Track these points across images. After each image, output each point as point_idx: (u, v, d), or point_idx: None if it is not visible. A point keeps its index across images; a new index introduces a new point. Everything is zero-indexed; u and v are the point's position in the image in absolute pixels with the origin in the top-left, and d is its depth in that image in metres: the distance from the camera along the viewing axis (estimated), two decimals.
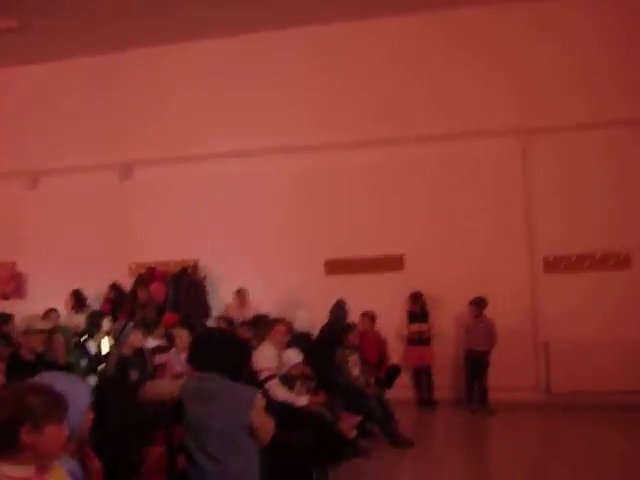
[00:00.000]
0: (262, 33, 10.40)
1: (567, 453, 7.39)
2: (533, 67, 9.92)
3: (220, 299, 10.62)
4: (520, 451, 7.47)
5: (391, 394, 8.45)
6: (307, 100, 10.48)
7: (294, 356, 6.71)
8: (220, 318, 9.00)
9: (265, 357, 6.45)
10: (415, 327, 9.90)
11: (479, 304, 9.48)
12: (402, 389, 9.32)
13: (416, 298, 9.91)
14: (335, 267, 10.36)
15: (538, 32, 9.92)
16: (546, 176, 9.88)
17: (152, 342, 7.24)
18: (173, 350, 7.25)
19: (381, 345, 9.13)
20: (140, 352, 6.62)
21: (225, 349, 3.68)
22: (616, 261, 9.71)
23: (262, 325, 7.23)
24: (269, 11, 9.76)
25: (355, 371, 7.89)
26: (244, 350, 3.94)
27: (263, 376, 6.30)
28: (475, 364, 9.49)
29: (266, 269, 10.40)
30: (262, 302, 9.88)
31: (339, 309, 9.09)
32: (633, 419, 8.66)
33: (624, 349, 9.35)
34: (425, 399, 9.89)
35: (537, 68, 9.91)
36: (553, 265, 9.87)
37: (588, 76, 9.75)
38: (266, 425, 3.64)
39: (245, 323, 8.12)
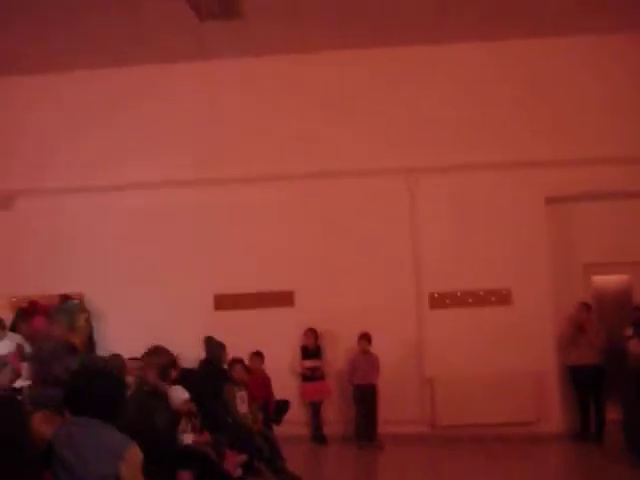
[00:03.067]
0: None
1: None
2: (419, 108, 10.27)
3: (105, 334, 10.27)
4: None
5: (280, 430, 8.42)
6: (190, 133, 10.47)
7: (181, 393, 6.57)
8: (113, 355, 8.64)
9: None
10: (309, 363, 9.92)
11: (364, 339, 9.64)
12: (292, 425, 9.26)
13: (310, 334, 9.95)
14: (224, 302, 10.25)
15: (429, 75, 10.35)
16: (432, 215, 10.20)
17: None
18: None
19: (266, 382, 9.08)
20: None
21: (97, 386, 3.48)
22: (498, 297, 10.10)
23: None
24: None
25: (243, 408, 7.79)
26: (119, 386, 3.71)
27: None
28: (363, 398, 9.60)
29: (154, 303, 10.15)
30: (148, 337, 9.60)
31: (211, 345, 8.94)
32: (509, 450, 9.03)
33: (505, 383, 9.69)
34: (318, 435, 9.88)
35: (424, 110, 10.27)
36: (438, 301, 10.15)
37: (473, 120, 10.21)
38: None
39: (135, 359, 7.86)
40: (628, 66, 10.13)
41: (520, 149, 10.07)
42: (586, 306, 9.70)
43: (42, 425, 3.95)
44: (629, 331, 9.21)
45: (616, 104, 10.08)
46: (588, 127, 10.04)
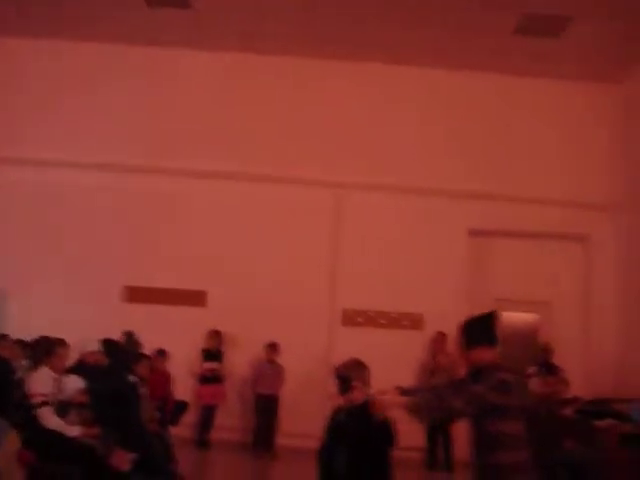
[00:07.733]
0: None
1: None
2: (360, 126, 10.37)
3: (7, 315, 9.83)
4: None
5: (175, 432, 8.22)
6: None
7: (76, 382, 6.33)
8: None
9: (40, 381, 6.01)
10: (209, 365, 9.72)
11: (272, 348, 9.59)
12: (186, 428, 9.07)
13: (214, 336, 9.78)
14: (136, 295, 10.00)
15: (373, 96, 10.46)
16: (355, 232, 10.23)
17: None
18: None
19: (167, 382, 8.88)
20: None
21: None
22: (411, 321, 10.15)
23: (42, 347, 6.74)
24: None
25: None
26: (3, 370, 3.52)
27: (35, 401, 5.87)
28: (265, 408, 9.48)
29: (61, 294, 9.82)
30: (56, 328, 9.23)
31: (130, 342, 8.72)
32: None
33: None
34: (203, 439, 9.61)
35: (363, 128, 10.36)
36: (351, 318, 10.15)
37: (409, 145, 10.36)
38: (13, 474, 3.25)
39: (23, 343, 7.55)
40: (566, 115, 10.49)
41: (450, 179, 10.25)
42: (441, 335, 9.72)
43: None
44: (532, 370, 9.39)
45: (546, 150, 10.39)
46: (517, 166, 10.30)
